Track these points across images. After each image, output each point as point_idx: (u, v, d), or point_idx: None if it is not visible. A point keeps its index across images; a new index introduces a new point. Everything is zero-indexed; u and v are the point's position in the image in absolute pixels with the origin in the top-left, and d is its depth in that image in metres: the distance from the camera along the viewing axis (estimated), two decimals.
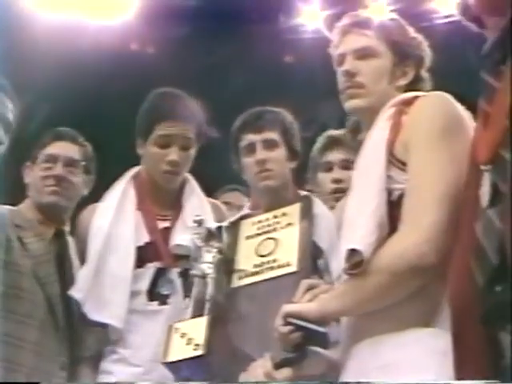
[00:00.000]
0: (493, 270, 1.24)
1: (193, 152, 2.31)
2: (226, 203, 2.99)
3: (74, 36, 4.91)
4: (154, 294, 2.19)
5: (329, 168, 2.58)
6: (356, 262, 1.53)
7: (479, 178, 1.31)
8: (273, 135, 2.28)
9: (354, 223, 1.59)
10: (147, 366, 2.12)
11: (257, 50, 5.04)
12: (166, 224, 2.27)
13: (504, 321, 1.22)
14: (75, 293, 2.18)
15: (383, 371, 1.51)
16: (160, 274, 2.21)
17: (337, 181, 2.53)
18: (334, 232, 1.91)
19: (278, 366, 1.65)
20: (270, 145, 2.27)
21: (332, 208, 2.43)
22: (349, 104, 1.79)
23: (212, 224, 2.07)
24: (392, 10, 4.48)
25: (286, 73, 5.14)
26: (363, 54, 1.79)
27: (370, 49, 1.79)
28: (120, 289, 2.16)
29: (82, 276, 2.20)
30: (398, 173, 1.61)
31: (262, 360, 1.70)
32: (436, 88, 1.80)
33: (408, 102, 1.71)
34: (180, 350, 1.82)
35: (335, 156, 2.56)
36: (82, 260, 2.25)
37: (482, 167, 1.30)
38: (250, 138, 2.28)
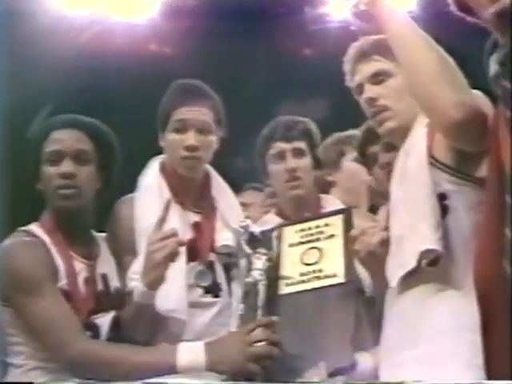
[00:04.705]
0: None
1: (212, 139, 2.26)
2: (244, 204, 2.89)
3: (100, 33, 4.93)
4: (208, 288, 2.19)
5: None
6: (432, 259, 1.66)
7: (505, 182, 1.33)
8: (301, 145, 2.44)
9: (415, 226, 1.69)
10: None
11: (281, 42, 5.00)
12: (197, 218, 2.25)
13: None
14: None
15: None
16: (209, 268, 2.20)
17: None
18: None
19: (332, 374, 1.70)
20: (298, 153, 2.43)
21: None
22: (382, 129, 1.88)
23: (256, 229, 2.07)
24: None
25: (309, 65, 5.10)
26: (378, 78, 1.88)
27: (383, 71, 1.88)
28: (179, 282, 2.11)
29: None
30: (438, 174, 1.70)
31: (317, 369, 1.74)
32: None
33: None
34: None
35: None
36: (124, 251, 2.19)
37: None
38: (279, 146, 2.43)
